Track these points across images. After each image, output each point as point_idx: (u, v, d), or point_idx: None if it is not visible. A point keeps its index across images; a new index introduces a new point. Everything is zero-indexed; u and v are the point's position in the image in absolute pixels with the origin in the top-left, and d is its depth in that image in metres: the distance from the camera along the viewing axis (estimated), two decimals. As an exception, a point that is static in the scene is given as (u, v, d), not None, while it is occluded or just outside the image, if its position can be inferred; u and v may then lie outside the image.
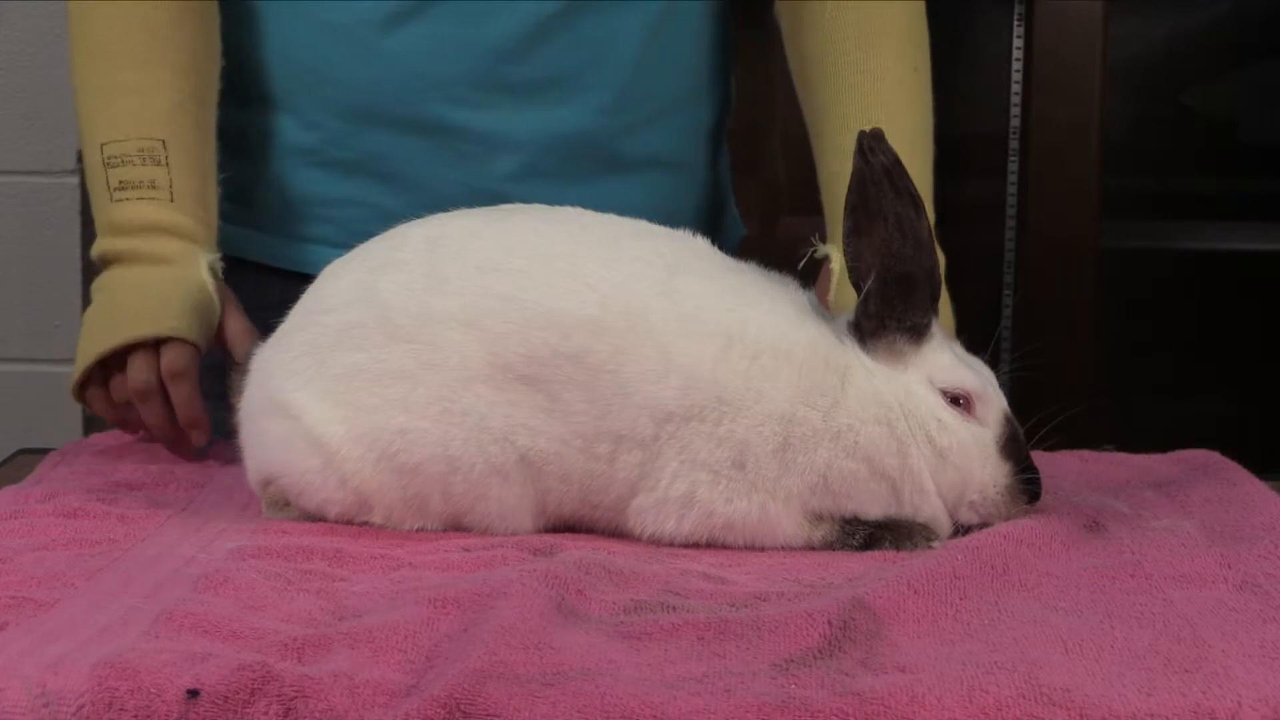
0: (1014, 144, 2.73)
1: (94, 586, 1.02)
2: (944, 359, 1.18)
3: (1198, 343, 2.98)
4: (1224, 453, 1.38)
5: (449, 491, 1.17)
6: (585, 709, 0.84)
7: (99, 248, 1.48)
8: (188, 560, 1.07)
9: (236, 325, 1.44)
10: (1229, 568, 1.06)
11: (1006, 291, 2.73)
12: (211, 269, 1.44)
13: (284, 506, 1.21)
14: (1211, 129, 3.04)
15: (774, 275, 1.22)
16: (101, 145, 1.46)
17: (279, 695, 0.85)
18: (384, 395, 1.16)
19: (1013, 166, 2.73)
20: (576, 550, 1.10)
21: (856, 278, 1.18)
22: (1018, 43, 2.72)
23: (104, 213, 1.47)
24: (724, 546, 1.15)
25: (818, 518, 1.16)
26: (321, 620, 0.96)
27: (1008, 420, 1.19)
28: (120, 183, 1.45)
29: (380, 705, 0.85)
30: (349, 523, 1.19)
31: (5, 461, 1.48)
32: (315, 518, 1.19)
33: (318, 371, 1.18)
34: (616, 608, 0.99)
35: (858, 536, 1.16)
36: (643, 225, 1.23)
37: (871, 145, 1.16)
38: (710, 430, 1.13)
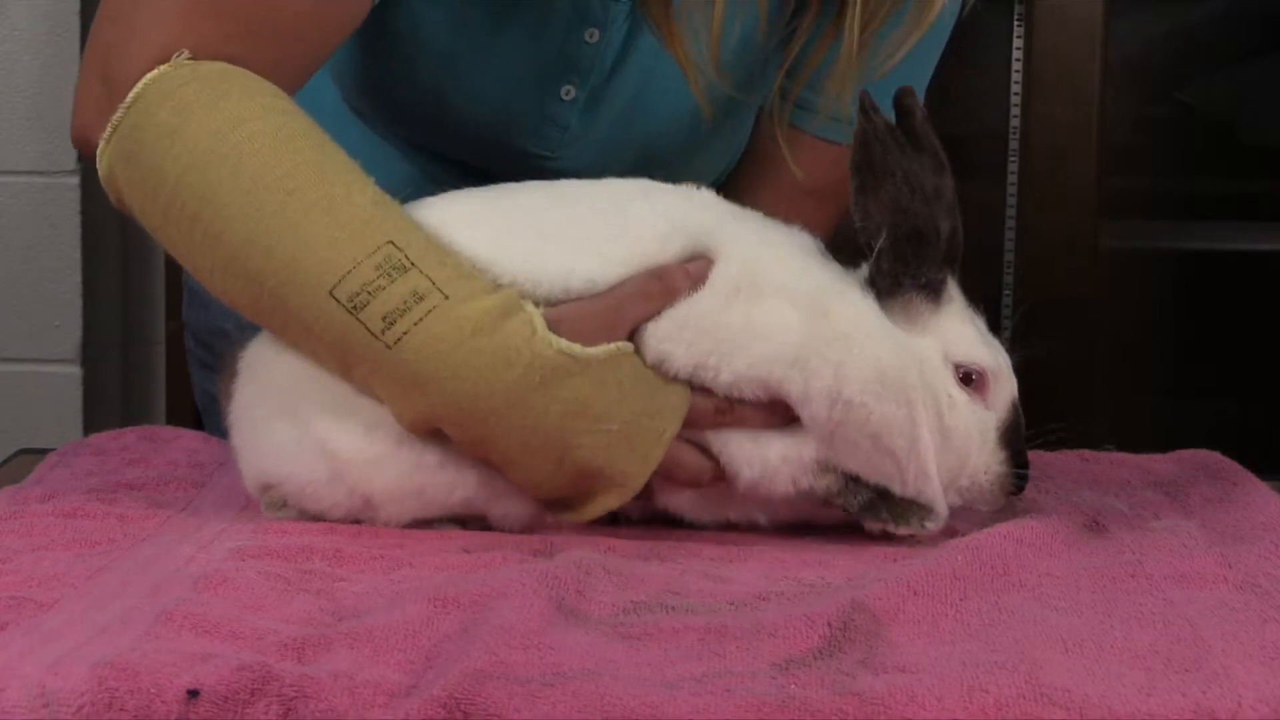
0: (1014, 144, 2.73)
1: (93, 587, 1.02)
2: (966, 331, 1.17)
3: (1198, 343, 2.99)
4: (1225, 453, 1.38)
5: (472, 496, 1.16)
6: (585, 709, 0.84)
7: (421, 413, 1.12)
8: (187, 560, 1.07)
9: None
10: (1230, 568, 1.06)
11: (1006, 291, 2.73)
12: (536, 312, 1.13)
13: (282, 506, 1.21)
14: (1212, 129, 3.04)
15: (779, 224, 1.21)
16: (331, 291, 1.10)
17: (279, 695, 0.85)
18: None
19: (1013, 166, 2.73)
20: (576, 550, 1.10)
21: (866, 237, 1.16)
22: (1018, 43, 2.72)
23: (389, 371, 1.11)
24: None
25: (826, 468, 1.15)
26: (321, 620, 0.96)
27: (1014, 407, 1.18)
28: (384, 319, 1.10)
29: (380, 705, 0.85)
30: (354, 522, 1.18)
31: (5, 462, 1.48)
32: (315, 519, 1.19)
33: (326, 374, 1.15)
34: (616, 608, 0.99)
35: (859, 497, 1.15)
36: (644, 185, 1.22)
37: (874, 104, 1.15)
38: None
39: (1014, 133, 2.72)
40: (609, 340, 1.13)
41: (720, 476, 1.17)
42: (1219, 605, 0.98)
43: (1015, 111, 2.72)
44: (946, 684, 0.86)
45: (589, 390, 1.11)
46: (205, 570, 1.04)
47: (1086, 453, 1.43)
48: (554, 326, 1.12)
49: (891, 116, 1.17)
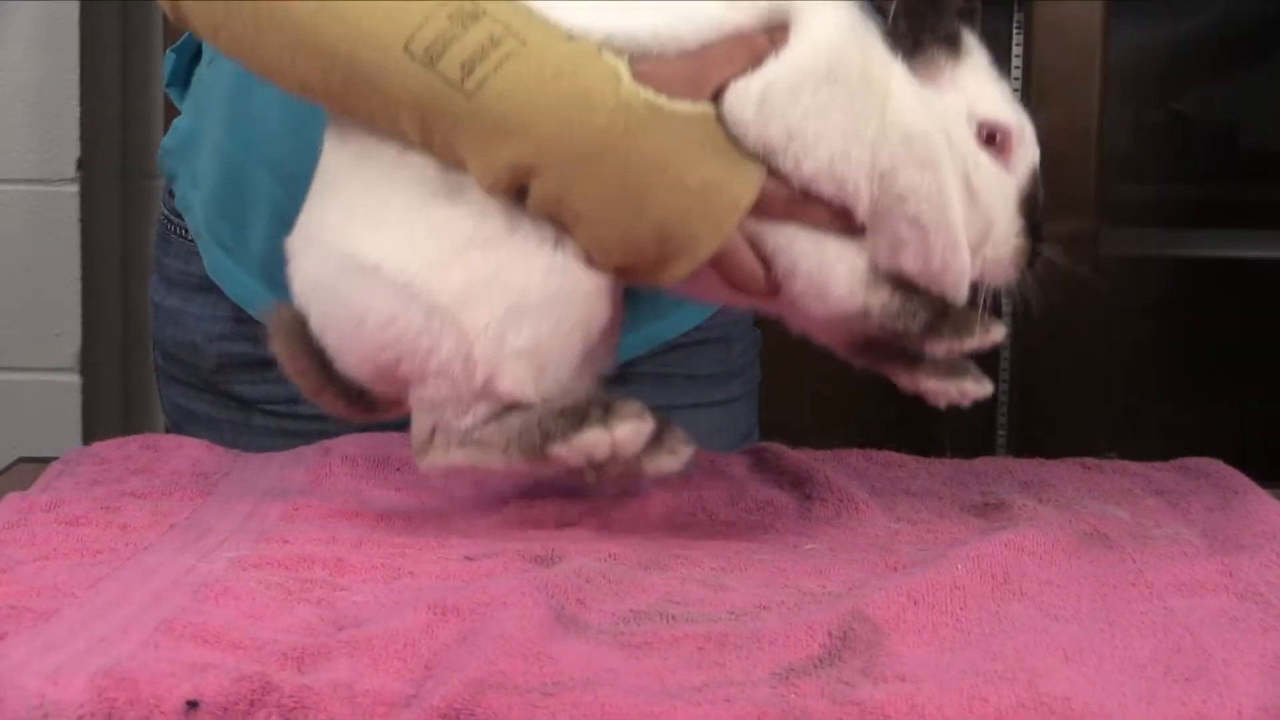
0: (1014, 152, 2.73)
1: (94, 596, 1.02)
2: (989, 89, 1.14)
3: (1199, 350, 2.99)
4: (1226, 461, 1.38)
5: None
6: (585, 718, 0.84)
7: (504, 164, 1.09)
8: (188, 569, 1.07)
9: None
10: (1231, 576, 1.06)
11: (1005, 299, 2.73)
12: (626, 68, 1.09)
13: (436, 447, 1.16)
14: (1211, 136, 3.04)
15: None
16: (406, 45, 1.08)
17: (278, 706, 0.85)
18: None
19: (1013, 174, 2.73)
20: (578, 558, 1.10)
21: (878, 2, 1.13)
22: (1017, 50, 2.73)
23: (470, 122, 1.08)
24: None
25: (879, 280, 1.12)
26: (321, 630, 0.96)
27: (1034, 176, 1.15)
28: (461, 67, 1.07)
29: (380, 715, 0.85)
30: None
31: (5, 470, 1.48)
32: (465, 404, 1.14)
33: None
34: (615, 617, 0.99)
35: (918, 318, 1.12)
36: None
37: None
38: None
39: (1014, 140, 2.72)
40: (693, 99, 1.10)
41: (774, 291, 1.13)
42: (1220, 614, 0.98)
43: (1015, 119, 2.72)
44: (947, 693, 0.86)
45: (671, 143, 1.08)
46: (205, 580, 1.04)
47: (1087, 460, 1.42)
48: (639, 79, 1.09)
49: None
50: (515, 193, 1.10)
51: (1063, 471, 1.39)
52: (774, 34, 1.11)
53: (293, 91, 1.17)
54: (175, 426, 1.66)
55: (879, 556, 1.14)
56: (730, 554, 1.15)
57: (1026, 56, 2.64)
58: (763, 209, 1.11)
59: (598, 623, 0.98)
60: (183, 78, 1.64)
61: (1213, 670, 0.89)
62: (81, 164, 2.54)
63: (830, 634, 0.94)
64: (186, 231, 1.59)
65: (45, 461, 1.42)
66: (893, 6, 1.11)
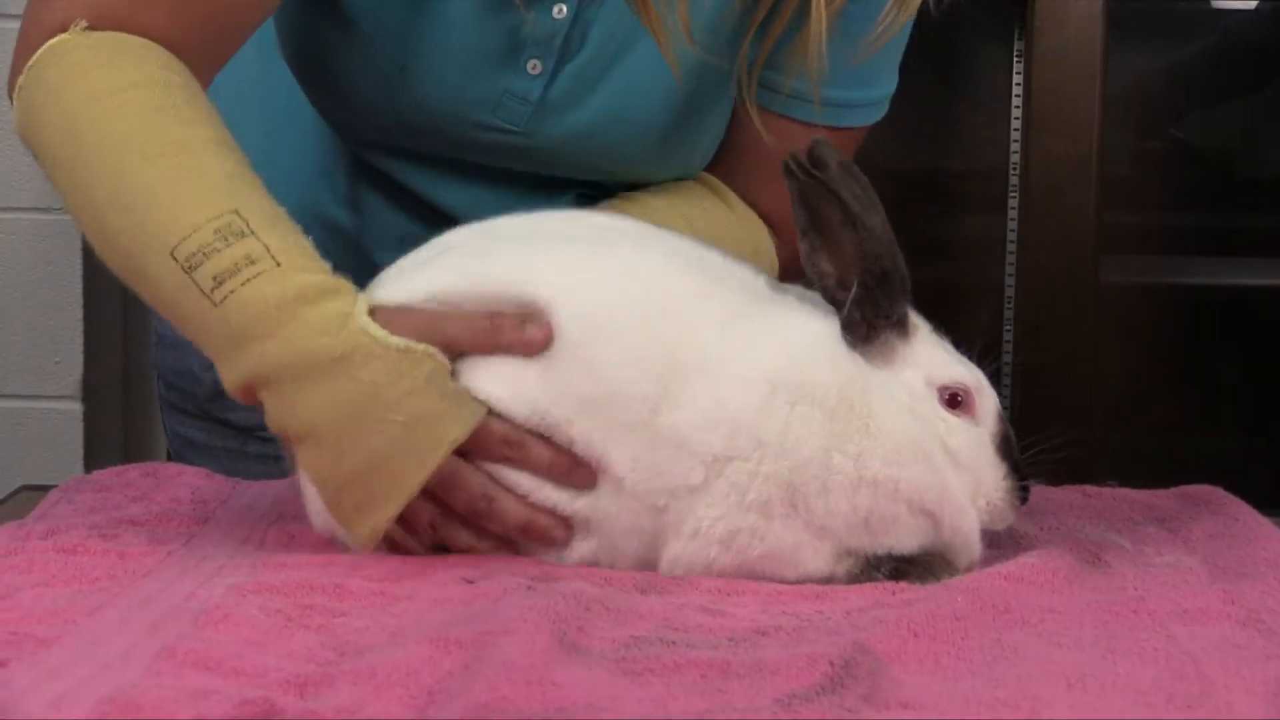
0: (1014, 179, 2.74)
1: (95, 623, 1.02)
2: (937, 355, 1.17)
3: (1199, 377, 2.99)
4: (1226, 488, 1.38)
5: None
6: (587, 746, 0.84)
7: (239, 374, 1.16)
8: (187, 596, 1.07)
9: None
10: (1232, 604, 1.05)
11: (1008, 326, 2.73)
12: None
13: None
14: (1211, 163, 3.05)
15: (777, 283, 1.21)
16: (171, 252, 1.16)
17: (281, 732, 0.85)
18: None
19: (1013, 202, 2.74)
20: (575, 580, 1.10)
21: (829, 295, 1.16)
22: (1017, 79, 2.73)
23: (215, 329, 1.16)
24: (749, 576, 1.15)
25: (846, 553, 1.15)
26: (323, 656, 0.96)
27: (1001, 418, 1.18)
28: (214, 279, 1.15)
29: (382, 742, 0.85)
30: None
31: (6, 499, 1.48)
32: None
33: None
34: (616, 643, 0.99)
35: (883, 569, 1.15)
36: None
37: (799, 162, 1.14)
38: (754, 469, 1.13)
39: (1014, 168, 2.73)
40: (421, 342, 1.15)
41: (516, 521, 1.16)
42: (1222, 641, 0.98)
43: (1015, 147, 2.73)
44: (949, 720, 0.85)
45: (384, 376, 1.13)
46: (205, 606, 1.04)
47: (1088, 488, 1.42)
48: (373, 314, 1.15)
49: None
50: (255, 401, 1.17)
51: (1063, 499, 1.39)
52: (532, 327, 1.15)
53: None
54: (176, 454, 1.66)
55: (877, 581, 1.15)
56: (727, 578, 1.15)
57: (1026, 84, 2.65)
58: (478, 446, 1.15)
59: (599, 649, 0.98)
60: None
61: (1215, 697, 0.89)
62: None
63: (832, 663, 0.94)
64: None
65: (47, 490, 1.42)
66: (848, 296, 1.15)
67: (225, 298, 1.14)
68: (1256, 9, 3.07)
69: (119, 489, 1.41)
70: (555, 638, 0.97)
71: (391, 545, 1.18)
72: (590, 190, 1.52)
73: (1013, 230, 2.73)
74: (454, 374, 1.15)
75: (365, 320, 1.14)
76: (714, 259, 1.20)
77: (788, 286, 1.20)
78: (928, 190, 2.91)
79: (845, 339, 1.16)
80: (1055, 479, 1.26)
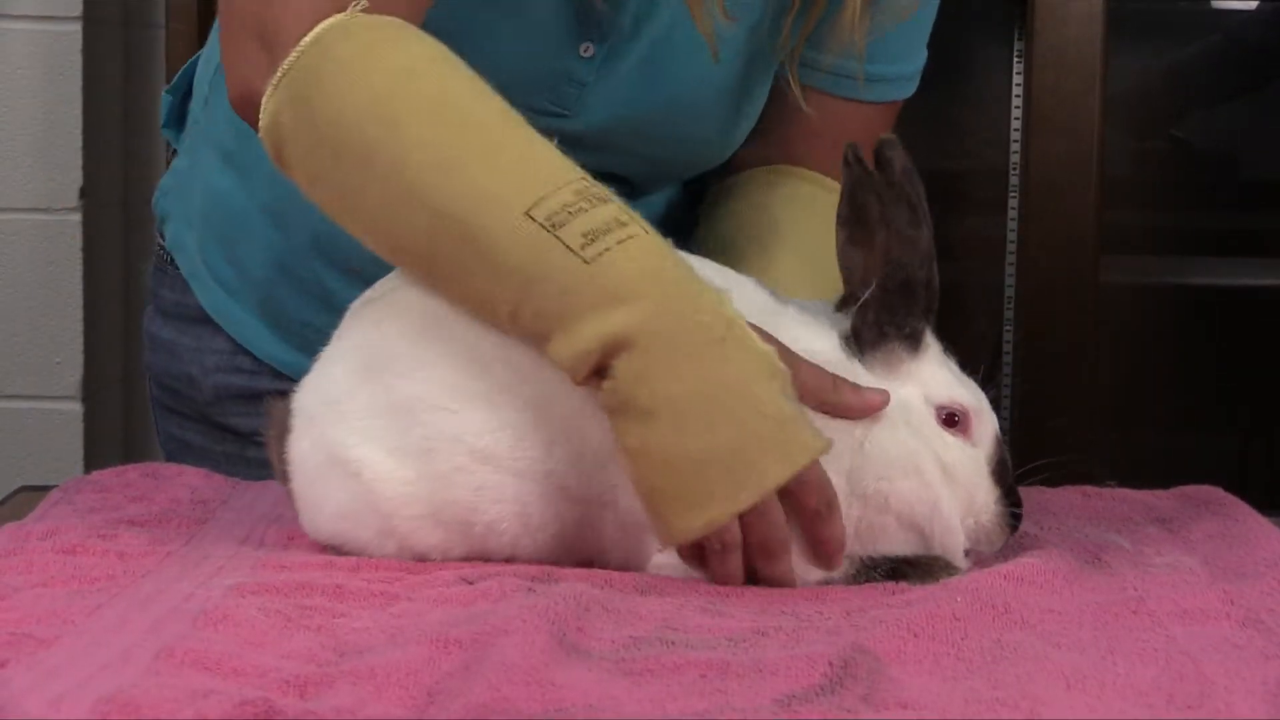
0: (1014, 180, 2.74)
1: (94, 623, 1.02)
2: (942, 375, 1.18)
3: (1199, 378, 2.99)
4: (1226, 488, 1.38)
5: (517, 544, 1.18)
6: (587, 746, 0.84)
7: (599, 331, 1.09)
8: (186, 596, 1.07)
9: None
10: (1232, 604, 1.05)
11: (1008, 327, 2.73)
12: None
13: None
14: (1212, 163, 3.05)
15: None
16: (527, 211, 1.10)
17: (280, 732, 0.85)
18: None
19: (1013, 202, 2.74)
20: (575, 581, 1.10)
21: (851, 287, 1.17)
22: (1017, 79, 2.73)
23: (580, 287, 1.09)
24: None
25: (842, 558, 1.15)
26: (323, 657, 0.96)
27: (998, 443, 1.19)
28: (584, 235, 1.10)
29: (381, 743, 0.85)
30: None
31: (6, 499, 1.48)
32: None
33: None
34: (617, 644, 0.99)
35: (880, 571, 1.15)
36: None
37: (859, 155, 1.15)
38: None
39: (1014, 169, 2.73)
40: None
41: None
42: (1222, 642, 0.98)
43: (1015, 148, 2.73)
44: (949, 720, 0.85)
45: (753, 373, 1.09)
46: (204, 606, 1.04)
47: (1088, 488, 1.42)
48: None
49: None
50: (588, 376, 1.11)
51: (1063, 499, 1.39)
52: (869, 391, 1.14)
53: (380, 248, 1.18)
54: (170, 457, 1.66)
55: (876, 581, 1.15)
56: (729, 580, 1.15)
57: (1027, 84, 2.65)
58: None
59: (599, 649, 0.98)
60: (177, 118, 1.65)
61: (1215, 698, 0.89)
62: (84, 193, 2.54)
63: (831, 663, 0.94)
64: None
65: (47, 490, 1.42)
66: (865, 295, 1.15)
67: (599, 255, 1.09)
68: (1256, 9, 3.07)
69: (119, 489, 1.41)
70: (555, 638, 0.97)
71: (699, 559, 1.13)
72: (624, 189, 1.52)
73: (1013, 230, 2.73)
74: None
75: (737, 313, 1.11)
76: (715, 274, 1.19)
77: (788, 300, 1.21)
78: (927, 190, 2.91)
79: (850, 344, 1.16)
80: (1055, 479, 1.26)
